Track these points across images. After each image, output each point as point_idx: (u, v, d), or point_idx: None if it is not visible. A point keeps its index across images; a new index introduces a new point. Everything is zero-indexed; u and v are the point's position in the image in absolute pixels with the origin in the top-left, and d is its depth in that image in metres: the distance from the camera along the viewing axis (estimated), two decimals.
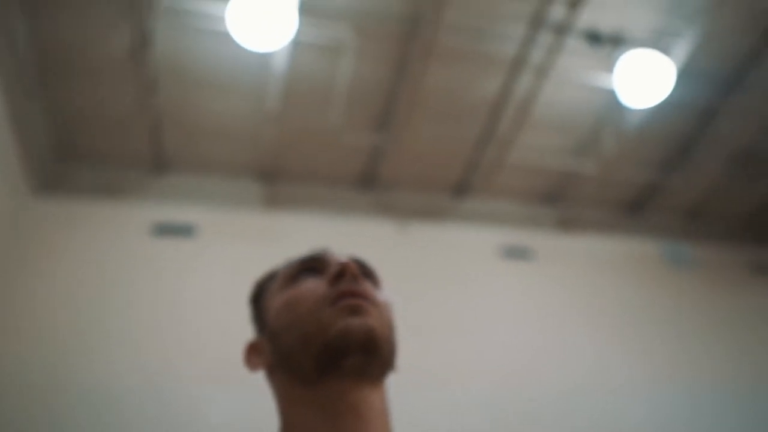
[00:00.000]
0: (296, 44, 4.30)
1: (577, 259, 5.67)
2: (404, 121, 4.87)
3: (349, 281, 0.87)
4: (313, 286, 0.90)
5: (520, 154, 5.33)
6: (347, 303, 0.84)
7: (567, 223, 5.88)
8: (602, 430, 4.70)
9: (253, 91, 4.65)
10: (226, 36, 4.16)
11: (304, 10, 4.12)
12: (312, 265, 0.95)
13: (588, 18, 4.58)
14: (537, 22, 4.48)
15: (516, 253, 5.56)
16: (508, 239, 5.62)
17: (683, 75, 4.83)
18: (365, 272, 0.95)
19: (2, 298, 4.21)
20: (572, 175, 5.74)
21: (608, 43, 4.79)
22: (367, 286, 0.89)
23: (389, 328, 0.87)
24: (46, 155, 4.78)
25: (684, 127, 5.61)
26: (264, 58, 4.37)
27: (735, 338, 5.64)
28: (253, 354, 0.94)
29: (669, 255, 5.92)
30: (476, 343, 4.93)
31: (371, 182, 5.47)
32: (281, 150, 5.04)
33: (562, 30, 4.46)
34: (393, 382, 0.90)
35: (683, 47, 4.70)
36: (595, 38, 4.74)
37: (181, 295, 4.56)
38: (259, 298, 1.01)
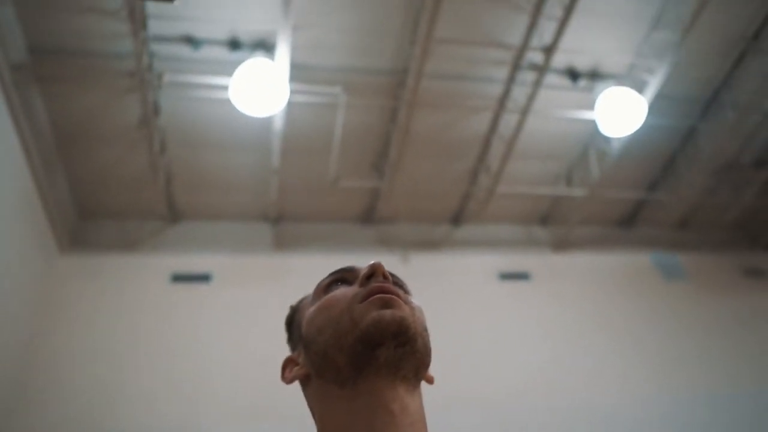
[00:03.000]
0: (292, 105, 4.64)
1: (572, 277, 5.96)
2: (398, 162, 5.19)
3: (380, 280, 0.89)
4: (345, 291, 0.91)
5: (511, 183, 5.63)
6: (378, 297, 0.84)
7: (560, 243, 6.17)
8: None
9: (256, 148, 5.01)
10: (226, 102, 4.51)
11: (296, 75, 4.45)
12: (343, 276, 0.98)
13: (564, 59, 4.88)
14: (516, 65, 4.78)
15: (513, 275, 5.87)
16: (505, 262, 5.93)
17: (661, 100, 5.12)
18: (395, 282, 0.95)
19: (33, 350, 4.57)
20: (562, 198, 6.04)
21: (586, 78, 5.09)
22: (397, 289, 0.89)
23: (422, 327, 0.87)
24: (69, 216, 5.17)
25: (667, 146, 5.90)
26: (264, 119, 4.71)
27: (732, 340, 5.86)
28: (289, 367, 0.96)
29: (660, 266, 6.20)
30: (479, 363, 5.23)
31: (371, 219, 5.82)
32: (286, 197, 5.40)
33: (542, 70, 4.72)
34: None
35: (658, 75, 4.95)
36: (573, 75, 5.04)
37: (200, 337, 4.91)
38: (293, 317, 1.04)
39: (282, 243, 5.58)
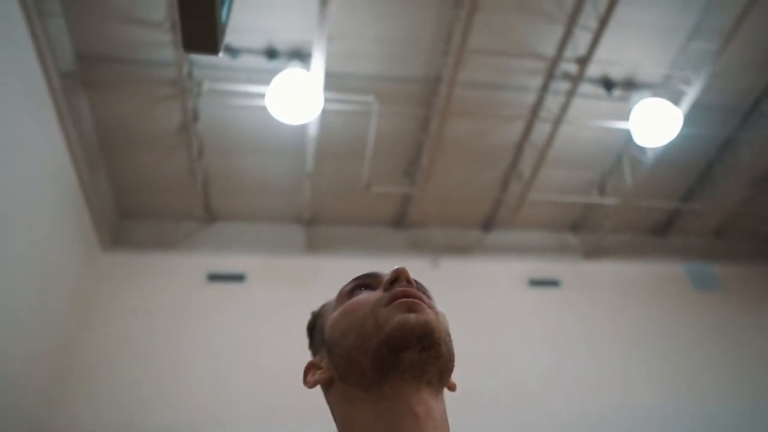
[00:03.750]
0: (327, 112, 4.73)
1: (603, 285, 5.94)
2: (430, 169, 5.24)
3: (404, 285, 0.89)
4: (369, 295, 0.91)
5: (543, 190, 5.63)
6: (403, 301, 0.85)
7: (591, 251, 6.15)
8: None
9: (291, 154, 5.12)
10: (263, 110, 4.62)
11: (331, 83, 4.54)
12: (365, 281, 0.98)
13: (599, 69, 4.86)
14: (550, 75, 4.78)
15: (542, 282, 5.88)
16: (535, 269, 5.94)
17: (699, 109, 5.04)
18: (419, 288, 0.95)
19: (75, 343, 4.79)
20: (594, 206, 6.01)
21: (621, 88, 5.06)
22: (421, 294, 0.89)
23: (446, 331, 0.87)
24: (111, 215, 5.37)
25: (704, 155, 5.82)
26: (299, 126, 4.82)
27: (765, 351, 5.81)
28: (311, 371, 0.95)
29: (694, 276, 6.12)
30: (506, 369, 5.28)
31: (403, 223, 5.89)
32: (319, 201, 5.51)
33: (576, 80, 4.71)
34: None
35: (695, 86, 4.88)
36: (607, 85, 5.01)
37: (234, 335, 5.06)
38: (314, 323, 1.05)
39: (315, 245, 5.70)
